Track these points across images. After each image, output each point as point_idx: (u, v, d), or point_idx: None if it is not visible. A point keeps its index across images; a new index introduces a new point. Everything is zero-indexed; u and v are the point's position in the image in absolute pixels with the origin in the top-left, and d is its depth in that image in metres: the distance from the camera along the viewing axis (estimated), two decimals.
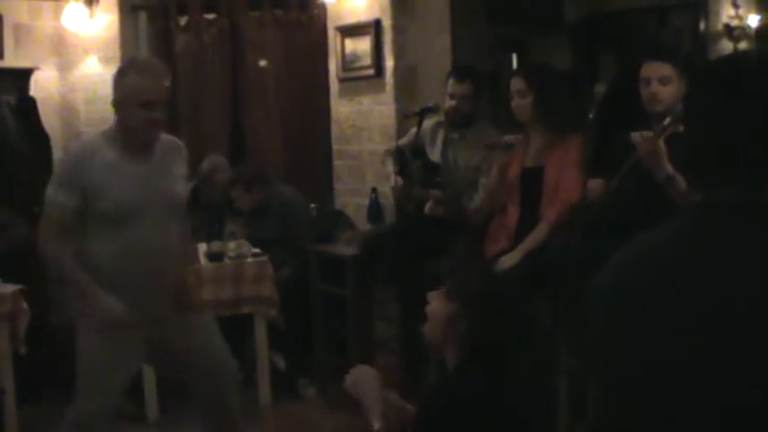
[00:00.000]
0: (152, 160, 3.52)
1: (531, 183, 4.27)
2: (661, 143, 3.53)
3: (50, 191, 3.45)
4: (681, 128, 3.53)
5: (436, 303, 2.56)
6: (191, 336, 3.66)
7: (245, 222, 5.63)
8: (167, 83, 3.47)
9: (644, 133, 3.56)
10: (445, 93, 4.84)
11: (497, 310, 2.48)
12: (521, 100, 4.30)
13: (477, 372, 2.39)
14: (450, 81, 4.82)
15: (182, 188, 3.67)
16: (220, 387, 3.76)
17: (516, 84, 4.33)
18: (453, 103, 4.79)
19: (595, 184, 3.90)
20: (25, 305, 4.75)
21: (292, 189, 5.84)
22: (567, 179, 4.17)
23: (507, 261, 4.12)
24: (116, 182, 3.41)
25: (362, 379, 2.64)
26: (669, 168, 3.51)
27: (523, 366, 2.43)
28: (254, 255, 5.20)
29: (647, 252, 1.57)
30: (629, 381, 1.53)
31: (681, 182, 3.48)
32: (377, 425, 2.51)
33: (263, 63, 6.75)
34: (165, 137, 3.63)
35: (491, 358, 2.40)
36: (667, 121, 3.56)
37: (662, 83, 3.79)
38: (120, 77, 3.45)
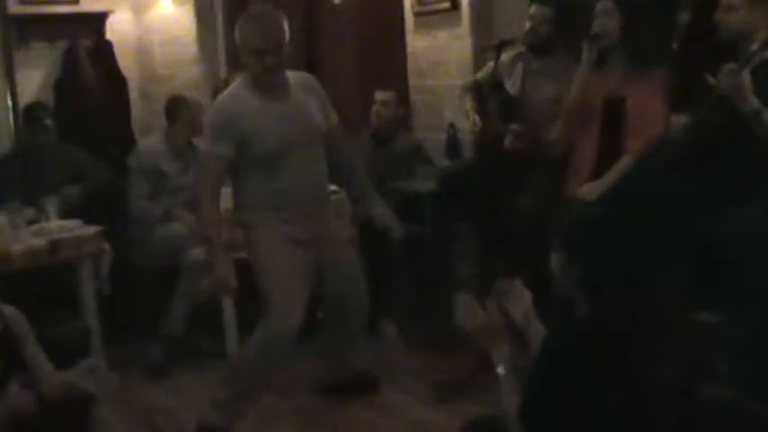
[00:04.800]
0: (291, 97, 3.83)
1: (613, 113, 4.16)
2: (746, 76, 3.41)
3: (206, 145, 3.82)
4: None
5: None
6: (344, 267, 4.13)
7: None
8: (278, 30, 3.69)
9: (728, 66, 3.43)
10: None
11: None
12: (607, 19, 4.17)
13: None
14: (533, 6, 4.71)
15: (321, 118, 3.94)
16: (352, 318, 4.27)
17: (604, 4, 4.20)
18: (531, 24, 4.68)
19: (679, 121, 3.79)
20: (107, 246, 4.82)
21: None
22: (652, 112, 4.03)
23: (592, 191, 4.04)
24: (266, 126, 3.72)
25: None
26: (755, 102, 3.40)
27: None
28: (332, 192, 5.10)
29: None
30: None
31: (767, 115, 3.39)
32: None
33: (337, 1, 6.66)
34: (297, 74, 3.96)
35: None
36: (753, 49, 3.45)
37: (727, 10, 3.65)
38: (238, 30, 3.72)
